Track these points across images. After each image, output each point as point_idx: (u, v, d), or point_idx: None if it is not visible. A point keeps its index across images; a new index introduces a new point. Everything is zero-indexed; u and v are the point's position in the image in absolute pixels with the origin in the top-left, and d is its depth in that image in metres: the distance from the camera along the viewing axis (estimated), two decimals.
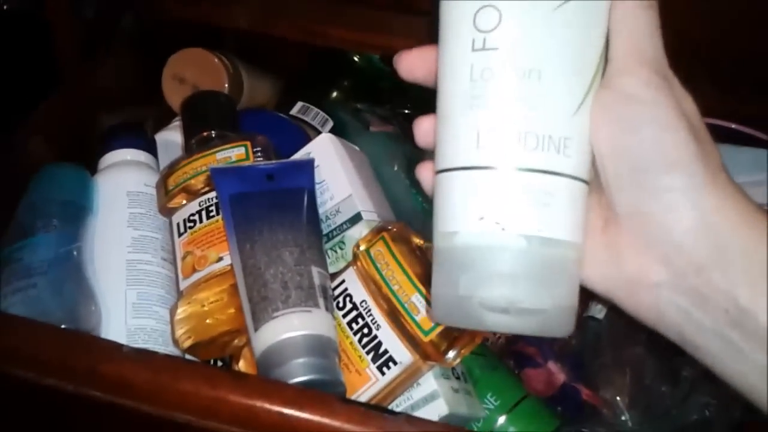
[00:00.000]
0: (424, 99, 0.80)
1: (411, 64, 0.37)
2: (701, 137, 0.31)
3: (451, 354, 0.43)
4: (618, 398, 0.53)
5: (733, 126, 0.65)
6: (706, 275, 0.30)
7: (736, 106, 0.59)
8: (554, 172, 0.30)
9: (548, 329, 0.30)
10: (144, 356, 0.41)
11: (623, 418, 0.52)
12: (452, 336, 0.43)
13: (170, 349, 0.50)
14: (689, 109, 0.32)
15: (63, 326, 0.47)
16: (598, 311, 0.57)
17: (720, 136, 0.66)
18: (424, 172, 0.36)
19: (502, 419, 0.51)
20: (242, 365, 0.48)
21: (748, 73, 0.56)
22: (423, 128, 0.36)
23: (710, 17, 0.52)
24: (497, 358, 0.56)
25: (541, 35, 0.30)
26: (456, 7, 0.32)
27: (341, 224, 0.52)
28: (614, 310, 0.34)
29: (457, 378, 0.49)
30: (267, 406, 0.38)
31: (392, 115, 0.69)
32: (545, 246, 0.30)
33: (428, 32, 0.58)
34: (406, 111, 0.75)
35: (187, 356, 0.50)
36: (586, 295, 0.59)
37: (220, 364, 0.53)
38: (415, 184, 0.60)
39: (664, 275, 0.31)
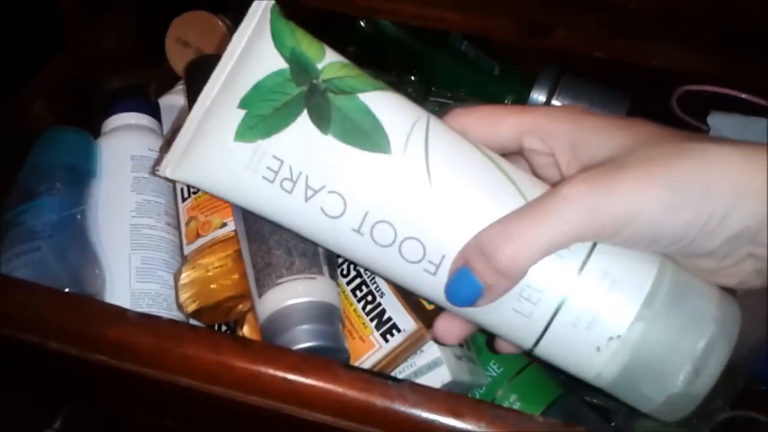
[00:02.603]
0: (431, 66, 0.80)
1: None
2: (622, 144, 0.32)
3: None
4: None
5: (744, 96, 0.64)
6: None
7: (748, 76, 0.58)
8: None
9: None
10: (148, 321, 0.41)
11: None
12: None
13: (174, 314, 0.50)
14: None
15: (67, 290, 0.47)
16: None
17: (731, 105, 0.65)
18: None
19: (504, 386, 0.51)
20: (246, 330, 0.48)
21: (762, 42, 0.55)
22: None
23: None
24: None
25: None
26: None
27: None
28: None
29: (461, 345, 0.49)
30: (271, 371, 0.38)
31: (398, 81, 0.68)
32: None
33: None
34: (413, 77, 0.74)
35: (192, 321, 0.50)
36: None
37: (224, 329, 0.53)
38: None
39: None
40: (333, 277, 0.44)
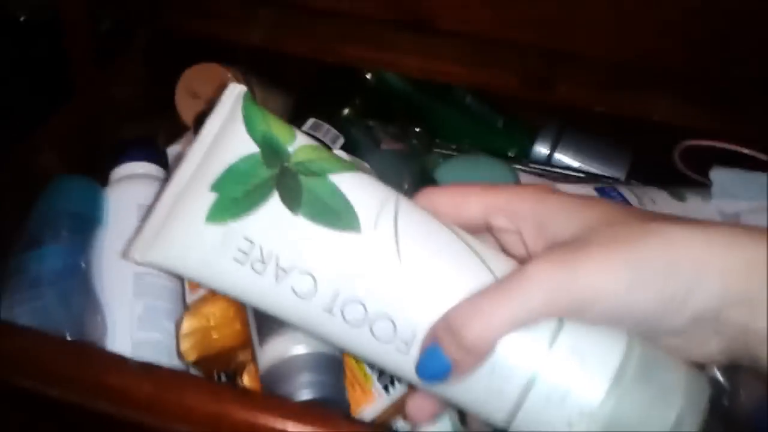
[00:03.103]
0: (435, 118, 0.81)
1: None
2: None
3: None
4: None
5: (746, 151, 0.64)
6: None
7: (749, 130, 0.59)
8: None
9: None
10: (149, 369, 0.41)
11: None
12: None
13: (175, 363, 0.50)
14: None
15: (69, 337, 0.47)
16: None
17: (734, 160, 0.66)
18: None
19: None
20: (246, 380, 0.47)
21: (762, 96, 0.55)
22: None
23: (724, 38, 0.52)
24: None
25: None
26: None
27: None
28: None
29: None
30: (270, 422, 0.38)
31: (403, 133, 0.69)
32: None
33: (439, 51, 0.59)
34: (417, 129, 0.75)
35: (192, 370, 0.50)
36: None
37: (224, 378, 0.52)
38: None
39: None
40: None
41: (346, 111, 0.75)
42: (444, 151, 0.75)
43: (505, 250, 0.37)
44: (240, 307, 0.47)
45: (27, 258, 0.50)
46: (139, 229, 0.36)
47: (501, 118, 0.78)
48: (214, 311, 0.48)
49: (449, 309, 0.33)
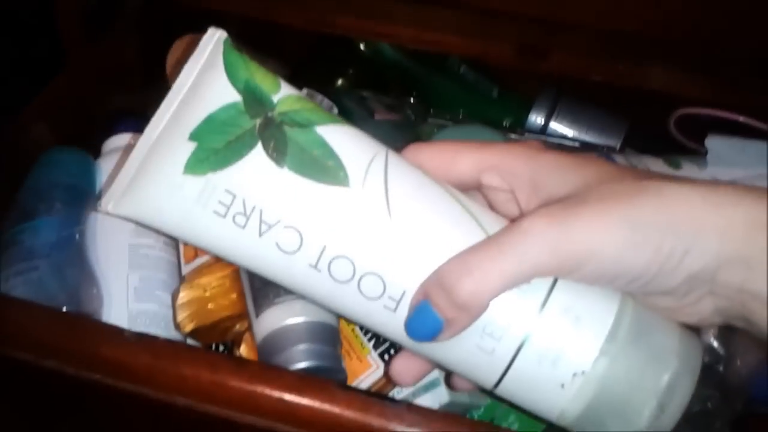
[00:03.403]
0: (430, 88, 0.80)
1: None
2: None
3: None
4: None
5: (741, 119, 0.64)
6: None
7: (744, 99, 0.58)
8: None
9: None
10: (145, 340, 0.41)
11: None
12: None
13: (172, 334, 0.50)
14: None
15: (64, 309, 0.47)
16: None
17: (729, 128, 0.66)
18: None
19: (503, 407, 0.50)
20: (243, 350, 0.48)
21: (757, 65, 0.55)
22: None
23: (720, 8, 0.52)
24: None
25: None
26: None
27: None
28: None
29: None
30: (267, 391, 0.38)
31: (397, 103, 0.69)
32: None
33: (434, 21, 0.58)
34: (412, 100, 0.75)
35: (189, 341, 0.50)
36: None
37: (221, 348, 0.53)
38: None
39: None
40: None
41: (339, 81, 0.74)
42: (438, 121, 0.74)
43: (495, 210, 0.37)
44: (236, 277, 0.47)
45: (20, 230, 0.50)
46: (111, 179, 0.34)
47: (496, 87, 0.77)
48: (211, 281, 0.48)
49: (441, 265, 0.32)
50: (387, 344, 0.44)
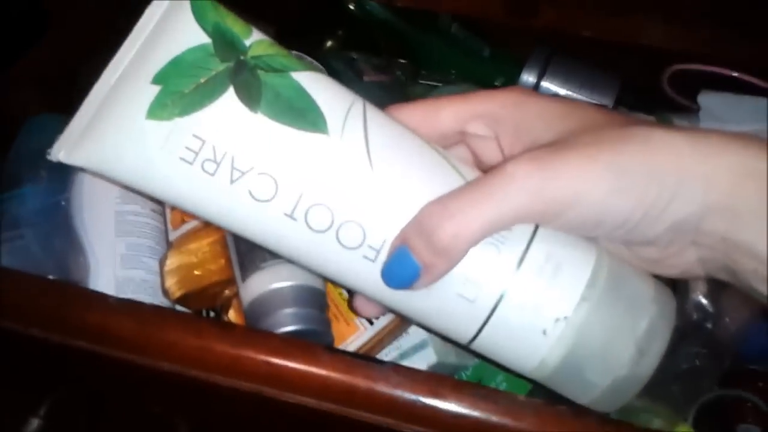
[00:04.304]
0: (421, 48, 0.79)
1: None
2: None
3: None
4: None
5: (735, 74, 0.63)
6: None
7: (739, 53, 0.57)
8: None
9: None
10: (130, 306, 0.40)
11: None
12: None
13: (160, 300, 0.50)
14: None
15: (51, 277, 0.46)
16: None
17: (722, 84, 0.65)
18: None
19: (491, 367, 0.50)
20: (232, 315, 0.48)
21: (754, 20, 0.54)
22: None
23: None
24: None
25: None
26: None
27: None
28: None
29: None
30: (253, 355, 0.38)
31: (387, 64, 0.68)
32: None
33: None
34: (402, 60, 0.74)
35: (177, 307, 0.50)
36: None
37: (211, 314, 0.53)
38: None
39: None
40: None
41: (328, 43, 0.73)
42: (429, 82, 0.73)
43: (480, 162, 0.36)
44: (224, 243, 0.47)
45: (6, 198, 0.50)
46: (65, 126, 0.32)
47: (487, 47, 0.76)
48: (198, 247, 0.48)
49: (421, 209, 0.31)
50: None
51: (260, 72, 0.32)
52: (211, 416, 0.47)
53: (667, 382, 0.47)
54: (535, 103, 0.33)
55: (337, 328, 0.44)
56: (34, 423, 0.48)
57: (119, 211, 0.52)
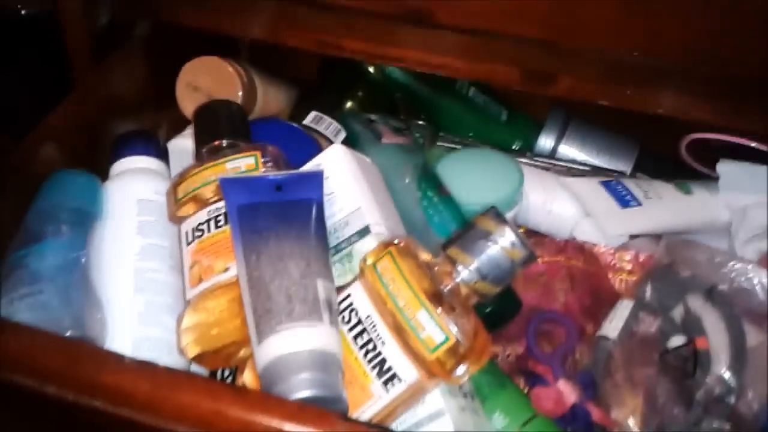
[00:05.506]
0: (438, 111, 0.80)
1: None
2: None
3: (457, 371, 0.43)
4: (629, 420, 0.52)
5: (753, 144, 0.64)
6: None
7: (756, 124, 0.58)
8: None
9: None
10: (145, 367, 0.40)
11: None
12: (459, 354, 0.42)
13: (176, 358, 0.50)
14: None
15: (69, 333, 0.46)
16: (611, 330, 0.56)
17: (740, 153, 0.65)
18: None
19: None
20: (247, 376, 0.47)
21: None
22: None
23: (730, 32, 0.51)
24: (506, 376, 0.55)
25: None
26: None
27: (349, 237, 0.52)
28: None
29: (464, 396, 0.48)
30: (266, 421, 0.37)
31: (405, 126, 0.69)
32: None
33: (441, 44, 0.58)
34: (420, 122, 0.75)
35: (193, 366, 0.49)
36: (599, 313, 0.58)
37: (227, 374, 0.52)
38: (426, 197, 0.59)
39: None
40: (333, 323, 0.44)
41: (348, 104, 0.74)
42: (447, 144, 0.74)
43: None
44: (241, 302, 0.47)
45: (27, 253, 0.50)
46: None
47: (505, 110, 0.77)
48: (216, 306, 0.48)
49: None
50: (391, 374, 0.43)
51: None
52: None
53: None
54: None
55: (352, 393, 0.43)
56: None
57: (138, 267, 0.52)
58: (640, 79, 0.55)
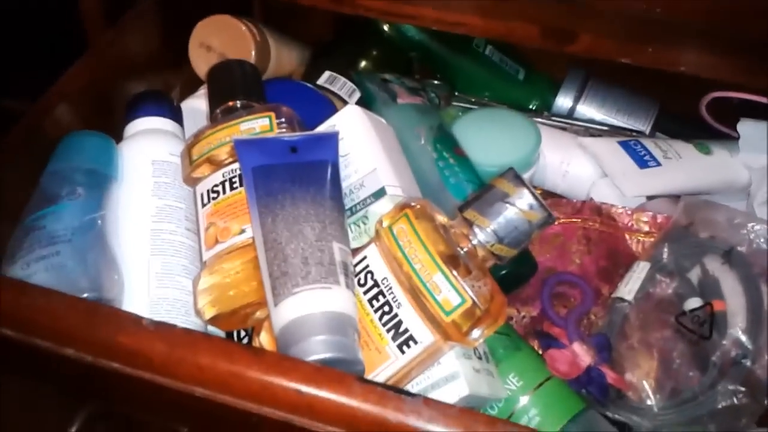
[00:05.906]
0: (454, 70, 0.79)
1: None
2: None
3: (473, 334, 0.43)
4: (644, 382, 0.52)
5: None
6: None
7: None
8: None
9: None
10: (163, 329, 0.40)
11: (649, 402, 0.51)
12: (475, 316, 0.42)
13: (193, 320, 0.50)
14: None
15: (86, 294, 0.46)
16: (627, 292, 0.56)
17: (760, 112, 0.64)
18: None
19: (524, 400, 0.50)
20: (264, 337, 0.47)
21: None
22: None
23: None
24: (521, 338, 0.55)
25: None
26: None
27: (365, 198, 0.51)
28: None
29: (479, 358, 0.48)
30: (284, 382, 0.38)
31: (421, 86, 0.68)
32: None
33: (458, 2, 0.57)
34: (436, 81, 0.74)
35: (210, 327, 0.50)
36: (616, 275, 0.58)
37: (243, 335, 0.52)
38: (441, 158, 0.59)
39: None
40: (349, 286, 0.44)
41: (362, 64, 0.73)
42: (463, 104, 0.73)
43: None
44: (257, 264, 0.47)
45: (42, 215, 0.50)
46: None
47: (522, 69, 0.76)
48: (231, 267, 0.48)
49: None
50: (407, 336, 0.43)
51: None
52: None
53: (704, 421, 0.46)
54: None
55: (368, 355, 0.44)
56: None
57: (154, 229, 0.52)
58: (661, 37, 0.53)
